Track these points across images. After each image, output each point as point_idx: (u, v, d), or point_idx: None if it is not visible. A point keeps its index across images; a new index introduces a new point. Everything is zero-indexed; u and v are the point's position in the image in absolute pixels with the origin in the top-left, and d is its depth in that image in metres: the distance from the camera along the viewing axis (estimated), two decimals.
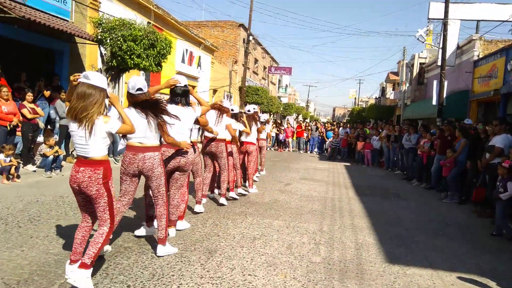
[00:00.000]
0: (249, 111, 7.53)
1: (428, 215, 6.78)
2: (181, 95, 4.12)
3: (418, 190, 9.57)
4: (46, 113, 8.98)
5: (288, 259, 4.06)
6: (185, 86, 4.16)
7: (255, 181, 8.35)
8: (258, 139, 7.83)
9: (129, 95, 3.58)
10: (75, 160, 3.20)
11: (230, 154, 6.38)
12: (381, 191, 9.04)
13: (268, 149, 19.15)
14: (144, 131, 3.57)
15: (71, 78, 3.04)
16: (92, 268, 3.09)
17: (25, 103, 7.84)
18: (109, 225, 3.19)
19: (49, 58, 10.74)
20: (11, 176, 6.84)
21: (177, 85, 4.12)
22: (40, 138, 8.53)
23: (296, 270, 3.79)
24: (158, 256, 3.79)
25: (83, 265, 3.03)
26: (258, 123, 7.56)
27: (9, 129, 7.15)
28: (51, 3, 9.86)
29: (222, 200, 6.16)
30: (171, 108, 3.86)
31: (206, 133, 5.79)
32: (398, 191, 9.13)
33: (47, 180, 7.39)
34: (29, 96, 7.95)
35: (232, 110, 6.50)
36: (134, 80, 3.56)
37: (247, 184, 7.60)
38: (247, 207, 6.29)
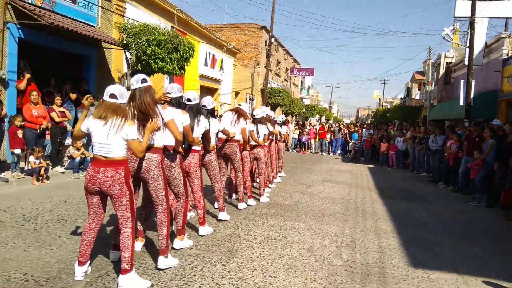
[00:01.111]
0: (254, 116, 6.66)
1: (455, 219, 6.61)
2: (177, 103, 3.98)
3: (445, 193, 9.35)
4: (73, 115, 9.23)
5: (309, 261, 4.05)
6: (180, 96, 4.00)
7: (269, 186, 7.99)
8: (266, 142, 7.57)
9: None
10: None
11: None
12: (406, 193, 8.88)
13: (291, 151, 19.13)
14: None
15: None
16: (134, 269, 3.19)
17: (54, 106, 8.12)
18: (130, 224, 3.23)
19: (77, 63, 11.07)
20: (40, 177, 7.10)
21: (169, 95, 3.92)
22: (68, 141, 8.81)
23: (317, 273, 3.77)
24: (158, 269, 3.56)
25: (125, 271, 3.11)
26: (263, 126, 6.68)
27: (39, 132, 7.41)
28: (79, 9, 10.18)
29: (241, 205, 6.09)
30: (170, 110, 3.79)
31: (220, 135, 5.64)
32: (424, 194, 8.95)
33: (75, 181, 7.62)
34: (58, 100, 8.23)
35: (254, 116, 6.54)
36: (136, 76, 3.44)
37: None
38: (268, 208, 6.30)
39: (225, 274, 3.58)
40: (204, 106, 4.94)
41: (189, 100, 4.35)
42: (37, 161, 7.09)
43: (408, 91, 37.01)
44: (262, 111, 6.78)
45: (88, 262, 3.29)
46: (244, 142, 6.03)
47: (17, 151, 7.01)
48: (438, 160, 10.95)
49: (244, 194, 6.28)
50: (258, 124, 6.51)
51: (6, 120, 7.27)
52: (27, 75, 8.31)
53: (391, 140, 15.02)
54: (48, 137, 8.04)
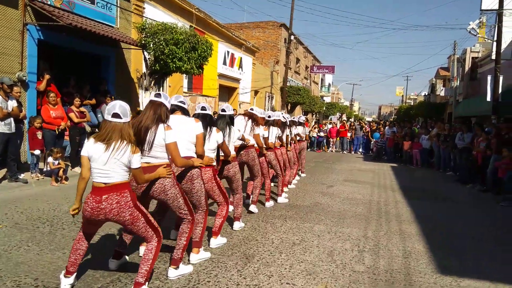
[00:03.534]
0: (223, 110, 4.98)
1: (484, 221, 6.27)
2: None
3: (473, 193, 8.93)
4: (91, 116, 9.20)
5: (329, 267, 3.85)
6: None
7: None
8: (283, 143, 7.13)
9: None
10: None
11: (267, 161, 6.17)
12: (432, 194, 8.53)
13: (309, 150, 18.83)
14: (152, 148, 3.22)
15: None
16: (147, 283, 3.03)
17: (72, 107, 8.14)
18: (156, 239, 3.05)
19: (97, 63, 11.13)
20: (59, 178, 7.11)
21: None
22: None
23: (337, 280, 3.57)
24: (168, 277, 3.38)
25: (138, 285, 2.95)
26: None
27: (57, 133, 7.42)
28: (97, 10, 10.21)
29: (252, 207, 5.79)
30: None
31: (236, 142, 5.18)
32: (450, 194, 8.57)
33: None
34: (77, 101, 8.24)
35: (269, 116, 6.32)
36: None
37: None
38: (287, 210, 6.11)
39: (241, 280, 3.43)
40: (223, 110, 4.61)
41: (203, 108, 4.15)
42: (56, 162, 7.10)
43: (433, 87, 36.07)
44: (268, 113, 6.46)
45: (75, 274, 3.09)
46: (260, 148, 5.73)
47: (37, 152, 7.05)
48: (465, 158, 10.51)
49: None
50: (271, 127, 6.28)
51: (26, 121, 7.33)
52: (47, 76, 8.36)
53: (414, 138, 14.56)
54: (67, 138, 8.07)
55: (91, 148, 2.86)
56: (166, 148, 3.24)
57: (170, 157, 3.31)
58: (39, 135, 7.11)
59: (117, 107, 2.86)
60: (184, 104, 3.80)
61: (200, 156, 3.79)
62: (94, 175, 2.88)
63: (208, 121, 4.06)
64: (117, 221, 2.92)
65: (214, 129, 4.11)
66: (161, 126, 3.21)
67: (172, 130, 3.27)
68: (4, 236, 4.18)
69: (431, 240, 4.97)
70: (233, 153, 4.67)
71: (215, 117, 4.48)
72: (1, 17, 7.65)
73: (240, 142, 5.32)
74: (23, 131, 7.21)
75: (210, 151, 4.06)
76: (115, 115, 2.85)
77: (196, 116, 4.04)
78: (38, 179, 6.97)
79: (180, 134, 3.53)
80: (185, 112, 3.78)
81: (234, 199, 4.97)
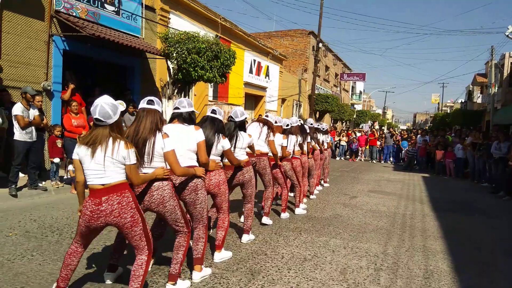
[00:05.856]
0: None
1: None
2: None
3: (508, 206, 8.31)
4: None
5: (340, 287, 3.57)
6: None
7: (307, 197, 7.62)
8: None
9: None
10: None
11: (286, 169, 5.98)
12: (464, 206, 7.99)
13: (338, 158, 18.37)
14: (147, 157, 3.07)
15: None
16: None
17: None
18: (147, 252, 2.90)
19: (122, 73, 11.31)
20: None
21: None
22: None
23: None
24: None
25: None
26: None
27: (78, 141, 7.51)
28: (123, 21, 10.38)
29: (265, 219, 5.55)
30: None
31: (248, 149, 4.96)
32: (484, 207, 8.01)
33: None
34: None
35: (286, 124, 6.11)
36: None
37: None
38: (303, 222, 5.84)
39: None
40: (231, 118, 4.44)
41: (213, 111, 4.01)
42: None
43: (470, 94, 34.61)
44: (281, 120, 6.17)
45: None
46: (275, 156, 5.48)
47: (56, 160, 7.14)
48: (502, 169, 9.84)
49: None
50: (290, 135, 6.05)
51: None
52: (71, 86, 8.52)
53: (448, 147, 13.86)
54: None
55: (80, 151, 2.75)
56: (164, 157, 3.11)
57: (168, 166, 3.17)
58: (59, 143, 7.21)
59: (97, 111, 2.69)
60: (179, 109, 3.57)
61: (204, 164, 3.64)
62: (89, 177, 2.74)
63: (216, 126, 3.92)
64: (117, 224, 2.77)
65: (221, 135, 3.96)
66: (158, 135, 3.08)
67: (169, 138, 3.12)
68: (12, 245, 4.17)
69: (458, 257, 4.58)
70: (245, 157, 4.48)
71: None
72: (28, 29, 7.88)
73: (257, 150, 5.15)
74: (44, 140, 7.34)
75: (215, 156, 3.93)
76: (97, 120, 2.72)
77: (205, 119, 3.93)
78: (58, 187, 7.06)
79: (180, 144, 3.39)
80: (185, 119, 3.60)
81: (245, 209, 4.74)
